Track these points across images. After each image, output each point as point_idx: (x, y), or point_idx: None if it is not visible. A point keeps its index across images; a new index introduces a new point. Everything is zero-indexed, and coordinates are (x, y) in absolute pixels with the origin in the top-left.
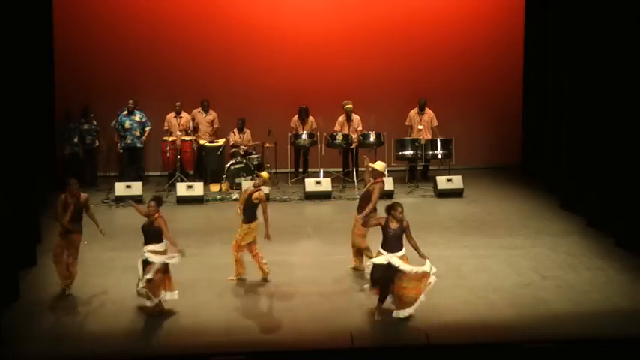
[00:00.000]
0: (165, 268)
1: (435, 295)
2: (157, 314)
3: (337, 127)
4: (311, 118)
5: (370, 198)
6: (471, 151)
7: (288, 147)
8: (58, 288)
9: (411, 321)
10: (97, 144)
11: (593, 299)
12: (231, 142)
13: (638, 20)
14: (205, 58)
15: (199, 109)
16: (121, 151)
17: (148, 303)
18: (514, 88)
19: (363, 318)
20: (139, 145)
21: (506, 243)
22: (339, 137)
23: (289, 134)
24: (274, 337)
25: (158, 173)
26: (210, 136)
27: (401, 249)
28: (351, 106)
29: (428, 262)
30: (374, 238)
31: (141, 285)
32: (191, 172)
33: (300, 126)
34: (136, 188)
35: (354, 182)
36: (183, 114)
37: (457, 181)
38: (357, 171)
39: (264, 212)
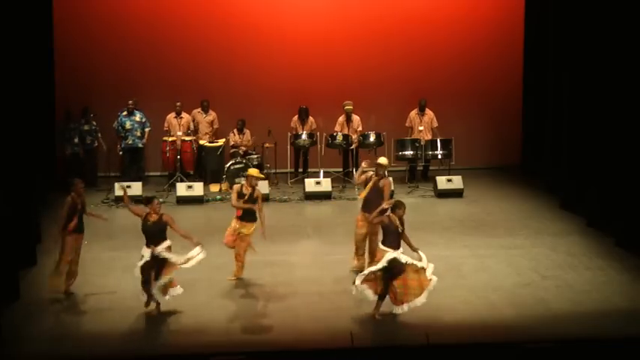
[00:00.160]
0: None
1: (435, 295)
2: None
3: (337, 128)
4: (311, 118)
5: (381, 195)
6: (470, 151)
7: (288, 147)
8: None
9: (411, 321)
10: (96, 144)
11: (593, 299)
12: (231, 143)
13: (638, 20)
14: (205, 58)
15: (199, 109)
16: (121, 152)
17: (159, 299)
18: (514, 88)
19: (363, 318)
20: (140, 145)
21: (506, 243)
22: (339, 137)
23: (289, 134)
24: (274, 337)
25: (158, 173)
26: (210, 136)
27: (400, 247)
28: (351, 107)
29: (424, 257)
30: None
31: (162, 282)
32: (191, 172)
33: (300, 126)
34: (136, 188)
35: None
36: (184, 115)
37: (457, 181)
38: (356, 171)
39: (261, 210)
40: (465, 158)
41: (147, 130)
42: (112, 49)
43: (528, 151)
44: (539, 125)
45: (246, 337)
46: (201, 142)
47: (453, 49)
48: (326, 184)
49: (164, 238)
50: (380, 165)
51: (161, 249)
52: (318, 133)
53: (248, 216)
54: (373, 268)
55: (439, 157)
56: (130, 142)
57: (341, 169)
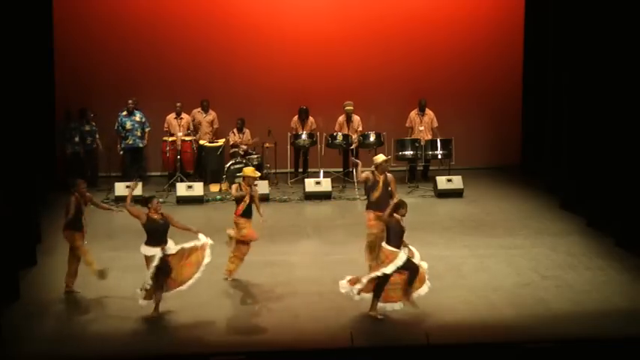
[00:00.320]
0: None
1: (435, 295)
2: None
3: (337, 128)
4: (311, 118)
5: (389, 191)
6: (470, 151)
7: (288, 147)
8: (58, 287)
9: (411, 321)
10: (96, 144)
11: (593, 299)
12: (231, 142)
13: (638, 20)
14: (205, 58)
15: (199, 109)
16: (121, 152)
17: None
18: (514, 88)
19: (363, 318)
20: (140, 145)
21: (506, 243)
22: (339, 137)
23: (289, 134)
24: (274, 337)
25: (158, 173)
26: (210, 136)
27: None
28: (351, 107)
29: (417, 253)
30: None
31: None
32: (191, 172)
33: (300, 126)
34: (136, 188)
35: (354, 182)
36: (184, 115)
37: (457, 181)
38: (356, 171)
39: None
40: (464, 158)
41: (147, 130)
42: (112, 49)
43: (528, 151)
44: (539, 125)
45: (246, 337)
46: (201, 142)
47: (453, 49)
48: (326, 184)
49: (166, 237)
50: (385, 160)
51: (172, 245)
52: (318, 133)
53: (248, 214)
54: (387, 270)
55: (439, 157)
56: (130, 142)
57: (341, 169)
